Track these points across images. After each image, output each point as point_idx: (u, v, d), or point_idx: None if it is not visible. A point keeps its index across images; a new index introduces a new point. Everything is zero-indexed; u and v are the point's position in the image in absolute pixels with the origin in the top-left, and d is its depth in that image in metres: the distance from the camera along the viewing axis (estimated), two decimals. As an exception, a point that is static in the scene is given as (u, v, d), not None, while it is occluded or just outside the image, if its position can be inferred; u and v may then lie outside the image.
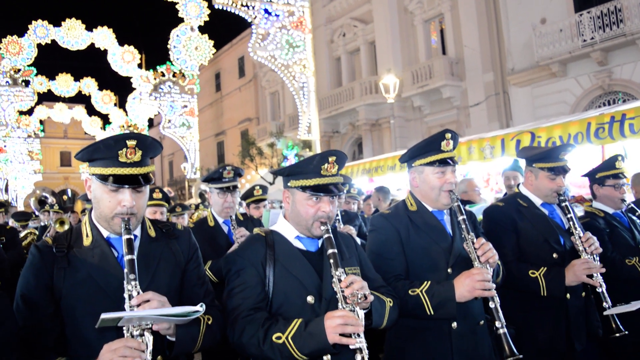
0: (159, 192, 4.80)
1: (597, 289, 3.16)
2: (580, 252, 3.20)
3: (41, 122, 36.42)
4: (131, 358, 1.78)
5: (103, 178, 2.02)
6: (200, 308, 1.89)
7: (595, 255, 3.19)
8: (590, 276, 3.13)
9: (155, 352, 1.93)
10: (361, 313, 2.13)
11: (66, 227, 8.23)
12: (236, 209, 4.39)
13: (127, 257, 1.97)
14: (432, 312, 2.59)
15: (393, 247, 2.82)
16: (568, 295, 3.24)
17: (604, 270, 3.16)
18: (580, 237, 3.23)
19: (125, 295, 1.92)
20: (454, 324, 2.68)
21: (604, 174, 4.02)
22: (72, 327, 2.03)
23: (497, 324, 2.50)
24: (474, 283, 2.52)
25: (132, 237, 2.04)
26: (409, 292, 2.63)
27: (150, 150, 2.10)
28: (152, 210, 4.70)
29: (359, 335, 2.07)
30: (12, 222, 9.56)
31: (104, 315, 1.75)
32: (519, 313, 3.23)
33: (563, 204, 3.39)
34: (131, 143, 2.00)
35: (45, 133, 40.48)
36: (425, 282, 2.66)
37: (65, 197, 47.24)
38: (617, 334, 3.09)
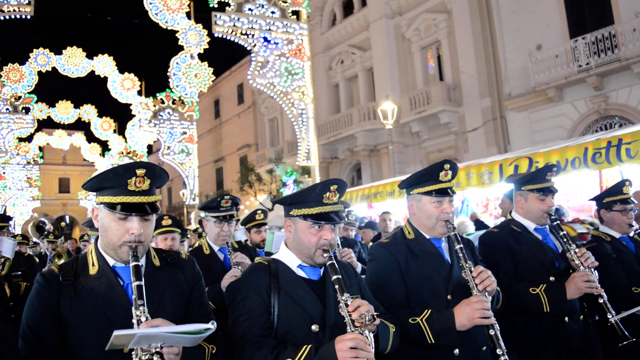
0: (168, 219, 4.75)
1: (598, 300, 3.17)
2: (577, 266, 3.23)
3: (40, 148, 36.54)
4: None
5: (112, 206, 2.06)
6: (211, 326, 1.89)
7: (592, 269, 3.21)
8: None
9: None
10: (370, 336, 2.13)
11: (62, 261, 8.19)
12: (232, 237, 4.37)
13: (135, 283, 1.99)
14: (433, 341, 2.60)
15: (392, 275, 2.83)
16: (567, 319, 3.25)
17: (602, 290, 3.17)
18: (575, 252, 3.26)
19: (134, 321, 1.92)
20: (456, 351, 2.68)
21: (612, 198, 4.03)
22: (78, 357, 2.02)
23: (499, 351, 2.51)
24: (474, 311, 2.54)
25: (140, 264, 2.06)
26: (410, 320, 2.64)
27: (158, 179, 2.16)
28: (162, 237, 4.63)
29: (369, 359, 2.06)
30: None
31: (117, 332, 1.74)
32: (520, 339, 3.22)
33: (555, 223, 3.43)
34: (140, 172, 2.06)
35: (44, 159, 40.59)
36: (426, 311, 2.66)
37: (63, 224, 47.09)
38: (625, 342, 3.09)
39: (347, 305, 2.17)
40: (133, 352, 1.86)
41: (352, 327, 2.13)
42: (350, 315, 2.14)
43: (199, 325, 1.89)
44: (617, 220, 4.01)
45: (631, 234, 4.07)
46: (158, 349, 1.85)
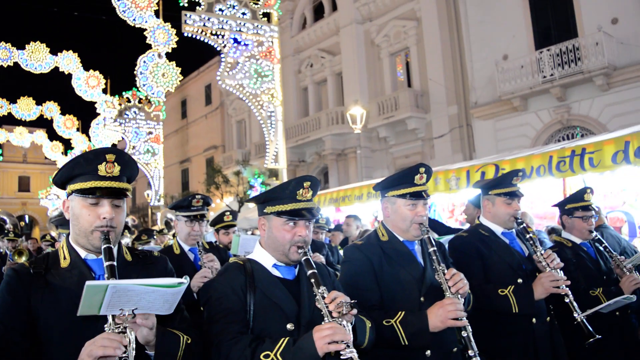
0: None
1: (565, 299, 3.28)
2: (544, 267, 3.33)
3: (0, 146, 35.61)
4: (111, 348, 1.76)
5: (83, 192, 2.08)
6: (184, 280, 1.91)
7: (558, 270, 3.31)
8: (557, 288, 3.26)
9: None
10: (348, 326, 2.13)
11: (24, 258, 7.98)
12: (203, 237, 4.33)
13: (107, 263, 1.99)
14: (407, 342, 2.62)
15: (367, 277, 2.84)
16: (534, 320, 3.33)
17: (568, 282, 3.28)
18: (542, 254, 3.36)
19: (109, 316, 1.89)
20: (428, 352, 2.71)
21: (573, 205, 4.15)
22: (49, 348, 2.00)
23: (470, 352, 2.55)
24: (447, 313, 2.57)
25: (112, 247, 2.06)
26: (384, 322, 2.65)
27: (128, 166, 2.18)
28: None
29: (348, 345, 2.05)
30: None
31: (89, 283, 1.76)
32: (488, 341, 3.28)
33: (521, 227, 3.53)
34: (110, 157, 2.10)
35: (4, 157, 39.55)
36: (400, 313, 2.68)
37: (22, 223, 45.84)
38: (592, 339, 3.18)
39: (323, 298, 2.17)
40: (105, 326, 1.85)
41: (329, 318, 2.13)
42: (327, 307, 2.14)
43: (172, 279, 1.92)
44: (578, 226, 4.14)
45: (590, 240, 4.20)
46: (131, 317, 1.86)
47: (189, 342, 2.14)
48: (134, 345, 1.84)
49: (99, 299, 1.80)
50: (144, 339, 1.96)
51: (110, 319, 1.85)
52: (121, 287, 1.80)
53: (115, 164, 2.11)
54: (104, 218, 2.08)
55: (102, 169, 2.08)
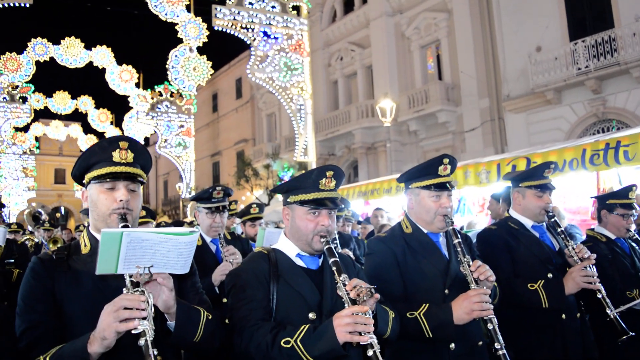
0: (142, 210, 4.70)
1: (597, 295, 3.19)
2: (575, 262, 3.25)
3: (37, 138, 36.41)
4: (135, 309, 1.79)
5: (100, 177, 2.15)
6: (196, 229, 1.99)
7: (590, 265, 3.22)
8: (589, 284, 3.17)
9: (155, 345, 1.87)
10: (369, 312, 2.12)
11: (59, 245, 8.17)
12: (224, 228, 4.34)
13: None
14: (431, 335, 2.60)
15: (390, 270, 2.82)
16: (564, 316, 3.26)
17: (598, 280, 3.20)
18: (574, 248, 3.28)
19: (127, 282, 1.92)
20: (452, 345, 2.69)
21: (616, 201, 4.03)
22: (72, 329, 2.04)
23: (497, 345, 2.50)
24: (472, 305, 2.54)
25: (129, 226, 2.11)
26: (407, 315, 2.63)
27: (141, 155, 2.25)
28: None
29: (368, 332, 2.05)
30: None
31: (104, 230, 1.86)
32: (516, 336, 3.22)
33: (552, 220, 3.45)
34: (123, 144, 2.19)
35: (40, 150, 40.45)
36: (424, 305, 2.66)
37: (58, 215, 46.92)
38: (624, 337, 3.11)
39: (344, 285, 2.17)
40: (124, 289, 1.89)
41: (350, 305, 2.12)
42: (348, 294, 2.14)
43: (183, 228, 2.02)
44: (617, 223, 4.02)
45: (628, 236, 4.08)
46: (148, 277, 1.91)
47: (209, 317, 2.18)
48: (153, 308, 1.88)
49: (115, 251, 1.86)
50: (164, 304, 2.01)
51: (128, 282, 1.90)
52: (135, 235, 1.87)
53: (129, 151, 2.19)
54: (121, 200, 2.14)
55: (116, 155, 2.16)
